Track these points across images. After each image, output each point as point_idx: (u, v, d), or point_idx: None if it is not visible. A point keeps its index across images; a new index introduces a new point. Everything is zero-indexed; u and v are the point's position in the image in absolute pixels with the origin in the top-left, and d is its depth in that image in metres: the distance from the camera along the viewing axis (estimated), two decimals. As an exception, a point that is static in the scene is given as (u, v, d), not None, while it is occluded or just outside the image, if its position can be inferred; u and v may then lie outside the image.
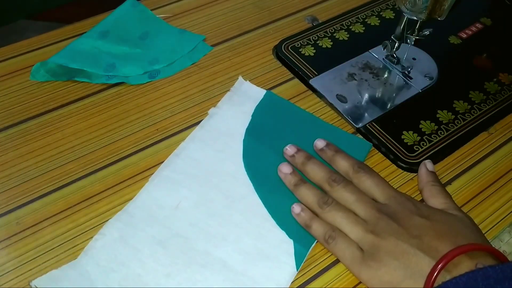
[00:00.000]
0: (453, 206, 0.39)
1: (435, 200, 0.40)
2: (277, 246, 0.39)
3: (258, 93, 0.50)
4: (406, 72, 0.53)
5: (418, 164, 0.44)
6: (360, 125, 0.48)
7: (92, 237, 0.39)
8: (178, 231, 0.39)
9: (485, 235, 0.40)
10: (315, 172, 0.42)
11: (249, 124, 0.47)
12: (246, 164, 0.44)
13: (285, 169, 0.42)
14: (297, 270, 0.38)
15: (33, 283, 0.35)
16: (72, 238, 0.39)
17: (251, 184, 0.42)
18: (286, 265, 0.38)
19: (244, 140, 0.45)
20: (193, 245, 0.38)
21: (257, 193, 0.42)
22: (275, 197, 0.41)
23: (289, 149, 0.44)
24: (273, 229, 0.40)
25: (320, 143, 0.44)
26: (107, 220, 0.40)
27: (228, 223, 0.40)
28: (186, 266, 0.37)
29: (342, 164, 0.42)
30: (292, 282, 0.37)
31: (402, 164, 0.45)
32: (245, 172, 0.43)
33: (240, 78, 0.51)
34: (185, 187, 0.42)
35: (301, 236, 0.39)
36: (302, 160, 0.43)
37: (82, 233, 0.39)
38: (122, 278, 0.36)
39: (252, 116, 0.47)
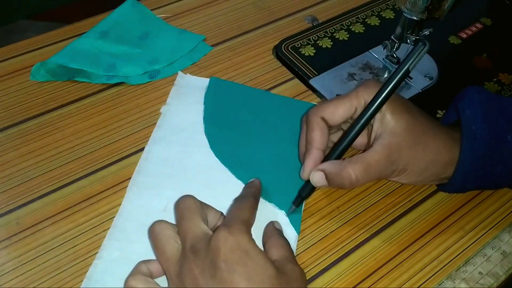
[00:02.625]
0: (291, 259, 0.35)
1: (277, 250, 0.35)
2: (271, 218, 0.40)
3: (202, 82, 0.50)
4: (406, 72, 0.53)
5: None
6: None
7: (91, 238, 0.39)
8: None
9: (485, 235, 0.41)
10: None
11: (204, 113, 0.47)
12: (215, 151, 0.44)
13: None
14: (297, 233, 0.39)
15: None
16: (72, 238, 0.39)
17: (227, 169, 0.43)
18: (286, 233, 0.39)
19: (205, 130, 0.46)
20: None
21: (235, 176, 0.43)
22: (252, 175, 0.42)
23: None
24: (261, 205, 0.40)
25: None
26: (107, 220, 0.40)
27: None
28: None
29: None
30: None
31: (402, 164, 0.45)
32: (217, 159, 0.44)
33: (180, 72, 0.51)
34: (166, 188, 0.41)
35: (289, 203, 0.40)
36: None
37: (82, 233, 0.39)
38: None
39: (204, 104, 0.48)
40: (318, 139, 0.39)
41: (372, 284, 0.38)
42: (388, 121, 0.38)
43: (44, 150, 0.44)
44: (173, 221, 0.37)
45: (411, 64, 0.36)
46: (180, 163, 0.43)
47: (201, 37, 0.55)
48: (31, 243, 0.38)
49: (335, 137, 0.42)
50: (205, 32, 0.57)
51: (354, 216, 0.41)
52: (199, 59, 0.53)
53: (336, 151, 0.39)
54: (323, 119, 0.39)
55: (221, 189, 0.42)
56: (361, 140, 0.41)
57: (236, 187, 0.42)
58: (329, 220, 0.41)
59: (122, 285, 0.35)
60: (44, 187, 0.42)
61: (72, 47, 0.52)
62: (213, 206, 0.39)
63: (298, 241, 0.39)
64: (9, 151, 0.44)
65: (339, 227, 0.41)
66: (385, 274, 0.38)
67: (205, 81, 0.50)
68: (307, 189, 0.40)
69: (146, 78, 0.51)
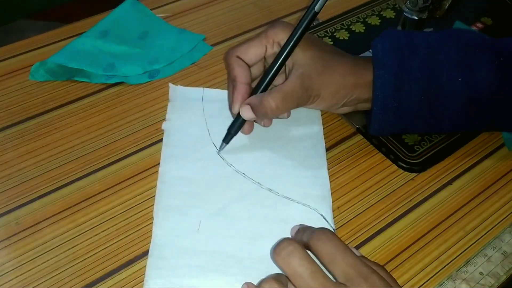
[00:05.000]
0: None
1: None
2: (305, 218, 0.40)
3: (197, 93, 0.49)
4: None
5: (419, 164, 0.45)
6: (360, 125, 0.47)
7: (91, 238, 0.39)
8: (215, 250, 0.38)
9: (486, 235, 0.41)
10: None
11: (207, 125, 0.47)
12: (230, 160, 0.44)
13: None
14: (334, 230, 0.40)
15: None
16: (72, 238, 0.39)
17: (246, 176, 0.43)
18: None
19: (214, 141, 0.45)
20: (236, 255, 0.38)
21: (254, 180, 0.43)
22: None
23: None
24: (290, 205, 0.41)
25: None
26: (107, 220, 0.40)
27: (251, 221, 0.40)
28: (243, 275, 0.36)
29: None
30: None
31: (403, 164, 0.45)
32: (234, 168, 0.43)
33: (171, 85, 0.50)
34: (192, 207, 0.40)
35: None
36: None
37: (82, 233, 0.39)
38: None
39: (205, 117, 0.47)
40: (240, 73, 0.43)
41: (373, 285, 0.37)
42: (298, 55, 0.42)
43: (43, 150, 0.44)
44: (210, 240, 0.38)
45: (318, 3, 0.41)
46: (200, 179, 0.42)
47: (200, 36, 0.55)
48: (30, 243, 0.38)
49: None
50: (205, 31, 0.56)
51: (354, 216, 0.41)
52: (199, 59, 0.53)
53: (260, 87, 0.42)
54: (239, 58, 0.43)
55: (247, 197, 0.41)
56: (280, 81, 0.44)
57: (263, 192, 0.42)
58: (330, 220, 0.41)
59: None
60: (44, 187, 0.42)
61: (71, 46, 0.52)
62: (243, 217, 0.40)
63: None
64: (9, 151, 0.44)
65: (339, 227, 0.41)
66: (386, 275, 0.38)
67: (199, 91, 0.49)
68: (236, 125, 0.43)
69: (146, 78, 0.51)
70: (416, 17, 0.47)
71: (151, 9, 0.58)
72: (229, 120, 0.44)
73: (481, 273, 0.39)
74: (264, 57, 0.44)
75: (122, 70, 0.50)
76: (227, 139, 0.43)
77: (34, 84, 0.50)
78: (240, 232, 0.39)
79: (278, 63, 0.42)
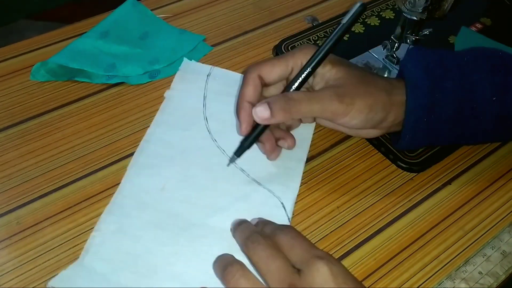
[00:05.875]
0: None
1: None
2: (265, 202, 0.41)
3: (206, 68, 0.52)
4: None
5: (418, 164, 0.45)
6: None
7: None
8: (171, 211, 0.40)
9: (485, 235, 0.41)
10: (241, 233, 0.36)
11: (204, 99, 0.48)
12: (216, 136, 0.45)
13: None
14: (289, 220, 0.40)
15: (49, 284, 0.36)
16: (72, 238, 0.39)
17: (227, 155, 0.44)
18: (279, 216, 0.40)
19: (206, 116, 0.47)
20: (189, 220, 0.39)
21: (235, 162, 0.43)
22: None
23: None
24: (256, 188, 0.42)
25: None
26: (107, 220, 0.40)
27: (215, 193, 0.41)
28: (190, 241, 0.38)
29: (243, 233, 0.36)
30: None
31: (402, 164, 0.45)
32: (217, 145, 0.45)
33: (185, 59, 0.52)
34: (165, 169, 0.43)
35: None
36: (233, 226, 0.38)
37: (82, 233, 0.39)
38: (131, 266, 0.37)
39: (205, 90, 0.49)
40: (250, 93, 0.41)
41: (372, 284, 0.38)
42: (329, 72, 0.40)
43: (44, 150, 0.44)
44: (170, 201, 0.40)
45: (348, 22, 0.40)
46: (180, 146, 0.45)
47: (201, 37, 0.55)
48: (31, 243, 0.38)
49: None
50: (206, 32, 0.57)
51: (354, 216, 0.41)
52: (199, 59, 0.53)
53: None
54: (260, 77, 0.41)
55: (220, 173, 0.43)
56: None
57: (235, 172, 0.43)
58: (329, 220, 0.41)
59: (118, 256, 0.37)
60: (44, 187, 0.42)
61: (72, 47, 0.52)
62: (208, 188, 0.41)
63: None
64: (10, 151, 0.44)
65: (339, 227, 0.41)
66: (385, 274, 0.38)
67: (208, 68, 0.52)
68: (250, 139, 0.40)
69: (146, 78, 0.51)
70: (415, 18, 0.47)
71: (151, 10, 0.58)
72: (228, 98, 0.46)
73: (480, 273, 0.39)
74: (287, 79, 0.42)
75: (123, 70, 0.50)
76: (238, 152, 0.41)
77: (34, 84, 0.50)
78: (200, 201, 0.41)
79: (302, 78, 0.39)
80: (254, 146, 0.42)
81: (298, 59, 0.41)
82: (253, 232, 0.35)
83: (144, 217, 0.39)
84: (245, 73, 0.42)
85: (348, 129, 0.43)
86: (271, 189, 0.42)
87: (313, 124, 0.47)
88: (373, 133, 0.43)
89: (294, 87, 0.40)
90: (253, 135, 0.40)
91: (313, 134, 0.47)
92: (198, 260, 0.37)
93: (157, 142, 0.45)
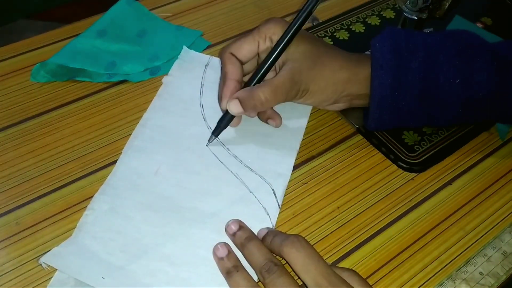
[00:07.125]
0: None
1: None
2: (256, 188, 0.42)
3: (204, 58, 0.53)
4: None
5: (419, 164, 0.45)
6: (360, 125, 0.47)
7: (91, 237, 0.39)
8: (163, 194, 0.41)
9: (485, 235, 0.41)
10: (253, 256, 0.35)
11: (201, 88, 0.49)
12: (211, 124, 0.46)
13: (220, 252, 0.37)
14: (279, 206, 0.41)
15: (42, 260, 0.36)
16: (72, 238, 0.39)
17: (221, 143, 0.45)
18: (269, 202, 0.41)
19: (202, 104, 0.48)
20: (180, 203, 0.40)
21: (228, 149, 0.45)
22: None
23: (232, 226, 0.38)
24: (248, 174, 0.43)
25: (233, 227, 0.38)
26: (107, 220, 0.40)
27: (207, 178, 0.42)
28: (179, 223, 0.39)
29: (255, 258, 0.35)
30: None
31: (403, 164, 0.45)
32: (211, 132, 0.45)
33: (185, 47, 0.53)
34: (159, 154, 0.44)
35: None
36: (241, 241, 0.37)
37: (82, 233, 0.39)
38: (122, 245, 0.37)
39: (203, 79, 0.50)
40: (231, 70, 0.43)
41: (373, 284, 0.37)
42: (290, 50, 0.42)
43: (43, 150, 0.44)
44: (163, 184, 0.41)
45: (313, 4, 0.41)
46: (175, 132, 0.45)
47: (198, 32, 0.56)
48: (30, 243, 0.38)
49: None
50: (205, 31, 0.57)
51: (354, 216, 0.41)
52: (199, 59, 0.53)
53: (251, 82, 0.42)
54: (233, 55, 0.44)
55: (213, 159, 0.43)
56: (271, 76, 0.44)
57: (228, 159, 0.44)
58: (330, 220, 0.41)
59: (109, 235, 0.38)
60: (44, 187, 0.42)
61: (70, 47, 0.52)
62: (200, 174, 0.42)
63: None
64: (9, 151, 0.44)
65: (339, 227, 0.41)
66: (386, 274, 0.38)
67: (206, 58, 0.53)
68: (226, 118, 0.43)
69: (147, 75, 0.51)
70: (416, 17, 0.47)
71: (150, 9, 0.58)
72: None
73: (481, 273, 0.39)
74: (258, 53, 0.44)
75: (123, 68, 0.50)
76: (216, 132, 0.44)
77: (34, 84, 0.50)
78: (191, 185, 0.42)
79: (272, 58, 0.42)
80: (249, 130, 0.45)
81: (263, 32, 0.43)
82: (266, 260, 0.34)
83: (137, 199, 0.40)
84: (220, 55, 0.44)
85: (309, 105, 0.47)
86: (263, 175, 0.43)
87: (308, 114, 0.48)
88: (338, 106, 0.46)
89: (261, 73, 0.42)
90: (228, 116, 0.43)
91: (313, 134, 0.47)
92: (187, 242, 0.38)
93: (153, 127, 0.46)
